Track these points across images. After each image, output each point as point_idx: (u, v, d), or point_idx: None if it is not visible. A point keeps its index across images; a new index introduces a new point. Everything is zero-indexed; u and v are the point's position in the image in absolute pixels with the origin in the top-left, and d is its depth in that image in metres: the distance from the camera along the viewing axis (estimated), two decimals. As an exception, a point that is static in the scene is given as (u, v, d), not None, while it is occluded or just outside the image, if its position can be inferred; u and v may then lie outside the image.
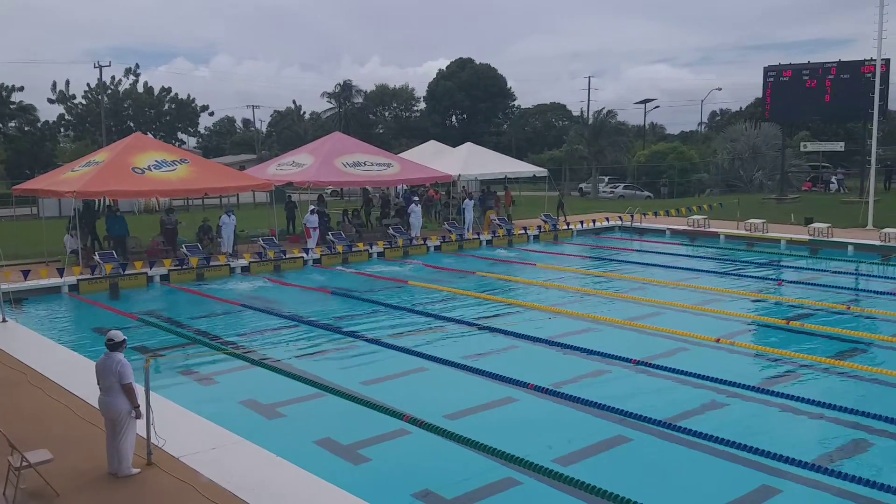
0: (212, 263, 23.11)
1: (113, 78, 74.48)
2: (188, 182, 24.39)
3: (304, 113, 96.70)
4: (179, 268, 22.49)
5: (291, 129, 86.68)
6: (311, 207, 27.11)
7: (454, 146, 40.34)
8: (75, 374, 12.05)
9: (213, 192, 26.15)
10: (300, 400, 11.74)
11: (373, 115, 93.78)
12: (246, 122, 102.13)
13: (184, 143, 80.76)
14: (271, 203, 28.38)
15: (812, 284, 20.68)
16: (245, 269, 23.51)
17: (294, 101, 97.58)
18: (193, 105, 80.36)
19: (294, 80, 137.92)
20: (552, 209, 35.15)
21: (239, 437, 9.50)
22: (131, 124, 72.34)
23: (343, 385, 12.22)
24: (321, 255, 25.26)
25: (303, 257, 24.96)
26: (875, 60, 31.25)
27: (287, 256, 24.57)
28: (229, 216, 25.04)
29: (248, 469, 8.59)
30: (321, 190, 31.60)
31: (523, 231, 30.76)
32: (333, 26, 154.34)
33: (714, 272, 23.00)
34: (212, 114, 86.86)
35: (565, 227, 31.84)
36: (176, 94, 78.34)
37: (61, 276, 20.60)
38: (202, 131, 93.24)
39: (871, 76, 33.32)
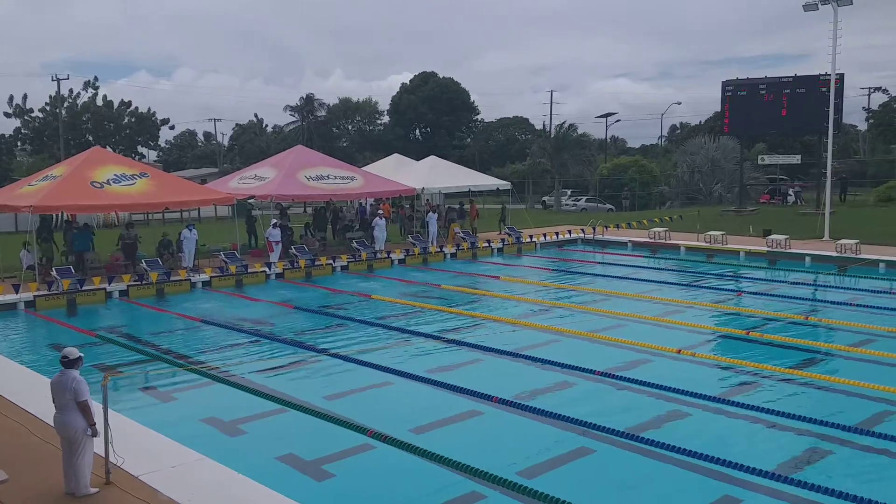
0: (172, 278, 22.82)
1: (71, 91, 73.42)
2: (148, 196, 24.07)
3: (267, 126, 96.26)
4: (139, 283, 22.16)
5: (254, 143, 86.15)
6: (273, 221, 26.92)
7: (418, 159, 40.42)
8: (31, 392, 11.78)
9: (173, 206, 25.85)
10: (262, 416, 11.61)
11: (336, 129, 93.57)
12: (207, 135, 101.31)
13: (144, 156, 79.69)
14: (233, 217, 28.12)
15: (771, 295, 21.00)
16: (206, 284, 23.25)
17: (256, 115, 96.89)
18: (154, 118, 79.43)
19: (257, 93, 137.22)
20: (516, 222, 35.33)
21: (200, 454, 9.36)
22: (90, 138, 71.18)
23: (306, 400, 12.11)
24: (283, 270, 25.07)
25: (265, 272, 24.75)
26: (830, 75, 31.94)
27: (249, 271, 24.34)
28: (190, 230, 24.76)
29: (209, 487, 8.46)
30: (285, 203, 31.34)
31: (487, 244, 30.85)
32: (297, 40, 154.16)
33: (675, 284, 23.26)
34: (172, 127, 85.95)
35: (527, 239, 31.97)
36: (136, 107, 77.40)
37: (17, 293, 20.19)
38: (163, 145, 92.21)
39: (826, 90, 34.02)
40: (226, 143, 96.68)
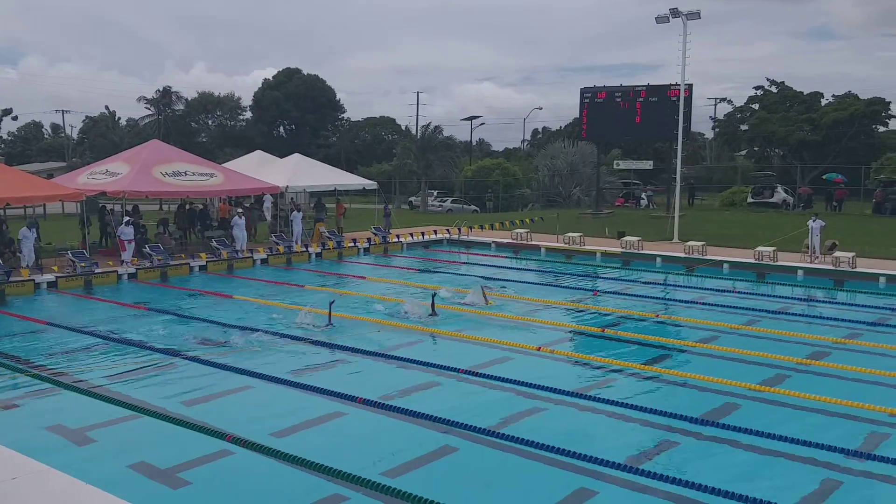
0: (12, 279, 21.34)
1: None
2: (-14, 191, 22.42)
3: (120, 119, 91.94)
4: (-25, 284, 20.61)
5: (105, 137, 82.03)
6: (126, 219, 25.68)
7: (282, 157, 39.71)
8: None
9: (15, 202, 24.15)
10: (113, 423, 11.02)
11: (195, 124, 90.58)
12: (55, 127, 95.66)
13: (-18, 149, 74.42)
14: (82, 214, 26.63)
15: (625, 294, 21.92)
16: (52, 285, 21.91)
17: (107, 107, 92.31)
18: (-6, 108, 74.34)
19: (112, 84, 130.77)
20: (382, 222, 35.26)
21: (44, 465, 8.76)
22: (-80, 127, 65.86)
23: (160, 406, 11.61)
24: (137, 269, 23.96)
25: (117, 271, 23.57)
26: (679, 85, 33.70)
27: (99, 271, 23.12)
28: (30, 229, 23.27)
29: (53, 499, 7.94)
30: (136, 200, 29.88)
31: (353, 244, 30.65)
32: (156, 31, 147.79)
33: (536, 283, 23.86)
34: (16, 118, 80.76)
35: (394, 239, 31.99)
36: (-26, 95, 72.17)
37: None
38: (5, 137, 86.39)
39: (676, 100, 35.92)
40: (75, 136, 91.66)
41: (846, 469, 9.49)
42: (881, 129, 61.27)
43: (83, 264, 22.80)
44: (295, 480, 9.09)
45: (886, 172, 49.33)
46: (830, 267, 24.27)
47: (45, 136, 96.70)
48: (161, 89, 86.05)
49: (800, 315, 18.88)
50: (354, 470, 9.05)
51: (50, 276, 22.05)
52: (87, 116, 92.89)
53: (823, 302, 21.16)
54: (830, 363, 14.31)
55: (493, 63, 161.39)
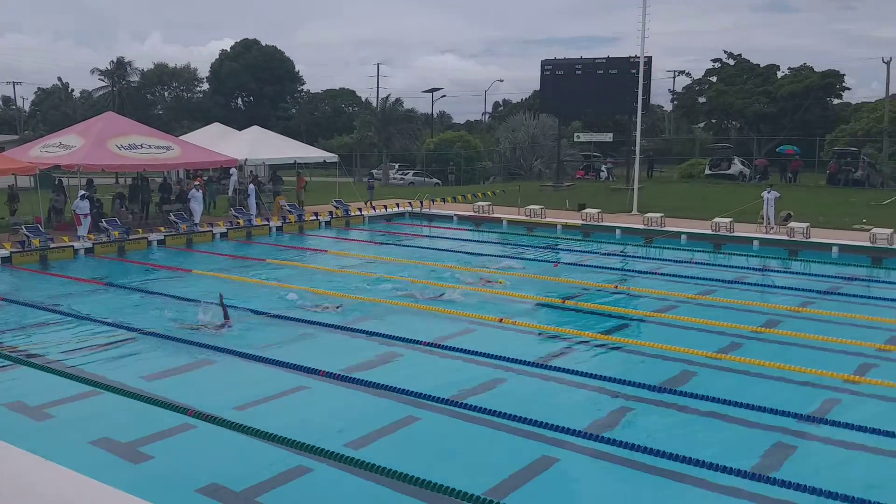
0: (-34, 254, 20.90)
1: None
2: (-65, 164, 21.82)
3: (73, 91, 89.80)
4: (-74, 260, 20.13)
5: (58, 109, 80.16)
6: (81, 192, 25.19)
7: (240, 129, 39.17)
8: None
9: (-35, 175, 23.59)
10: (73, 399, 10.91)
11: (151, 96, 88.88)
12: (6, 100, 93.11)
13: (-71, 121, 72.22)
14: (36, 188, 26.08)
15: (585, 266, 22.14)
16: (6, 261, 21.47)
17: (60, 79, 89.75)
18: (-60, 79, 72.04)
19: (65, 55, 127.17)
20: (344, 195, 35.03)
21: (3, 442, 8.64)
22: None
23: (121, 381, 11.51)
24: (94, 244, 23.57)
25: (73, 246, 23.17)
26: (639, 58, 33.84)
27: (55, 245, 22.70)
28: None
29: (12, 475, 7.84)
30: (91, 174, 29.25)
31: (314, 217, 30.46)
32: (109, 0, 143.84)
33: (497, 255, 23.98)
34: (-36, 89, 78.36)
35: (356, 212, 31.83)
36: (-81, 66, 69.86)
37: None
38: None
39: (636, 72, 36.02)
40: (27, 108, 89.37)
41: (800, 433, 9.77)
42: (835, 101, 62.29)
43: (38, 240, 22.37)
44: (258, 453, 9.10)
45: (840, 144, 50.22)
46: (785, 237, 24.74)
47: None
48: (115, 60, 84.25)
49: (755, 284, 19.26)
50: (318, 442, 9.09)
51: (4, 252, 21.61)
52: (39, 88, 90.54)
53: (778, 271, 21.59)
54: (785, 331, 14.66)
55: (455, 35, 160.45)
